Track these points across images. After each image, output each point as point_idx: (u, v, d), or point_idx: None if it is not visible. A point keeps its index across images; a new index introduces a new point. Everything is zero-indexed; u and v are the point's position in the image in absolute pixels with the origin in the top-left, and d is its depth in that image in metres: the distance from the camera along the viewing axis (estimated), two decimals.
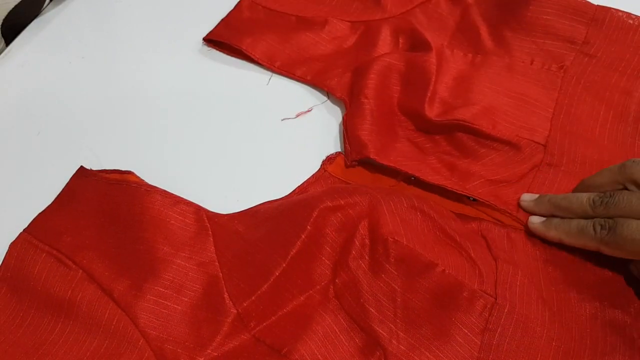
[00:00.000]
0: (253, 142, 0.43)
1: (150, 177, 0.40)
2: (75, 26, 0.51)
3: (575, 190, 0.37)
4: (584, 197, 0.34)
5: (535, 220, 0.36)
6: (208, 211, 0.37)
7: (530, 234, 0.36)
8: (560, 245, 0.35)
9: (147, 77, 0.47)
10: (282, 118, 0.44)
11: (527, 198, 0.37)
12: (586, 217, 0.34)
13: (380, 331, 0.31)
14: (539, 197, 0.37)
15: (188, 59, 0.48)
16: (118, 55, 0.49)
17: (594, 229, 0.33)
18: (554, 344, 0.31)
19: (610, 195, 0.33)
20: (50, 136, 0.44)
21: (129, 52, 0.49)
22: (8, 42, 0.50)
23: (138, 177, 0.39)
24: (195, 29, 0.49)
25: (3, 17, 0.48)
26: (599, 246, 0.33)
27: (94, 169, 0.40)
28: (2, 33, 0.49)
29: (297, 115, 0.44)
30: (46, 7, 0.52)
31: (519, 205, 0.37)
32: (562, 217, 0.35)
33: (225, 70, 0.47)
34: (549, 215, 0.36)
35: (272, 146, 0.42)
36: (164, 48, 0.49)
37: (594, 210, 0.33)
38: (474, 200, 0.38)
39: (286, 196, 0.39)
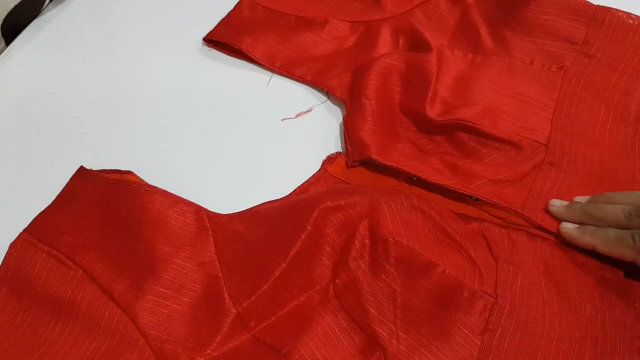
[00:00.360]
0: (253, 142, 0.43)
1: (151, 177, 0.39)
2: (75, 26, 0.51)
3: (572, 212, 0.36)
4: (619, 208, 0.34)
5: (568, 226, 0.35)
6: (208, 211, 0.37)
7: (530, 234, 0.36)
8: (561, 246, 0.35)
9: (147, 77, 0.47)
10: (282, 118, 0.44)
11: (557, 204, 0.37)
12: (622, 227, 0.33)
13: (380, 331, 0.31)
14: (570, 204, 0.36)
15: (188, 59, 0.48)
16: (118, 55, 0.49)
17: (633, 239, 0.32)
18: (554, 344, 0.31)
19: None
20: (50, 136, 0.44)
21: (129, 52, 0.49)
22: (8, 42, 0.49)
23: (138, 177, 0.39)
24: (196, 29, 0.49)
25: (3, 17, 0.48)
26: (636, 257, 0.32)
27: (94, 169, 0.40)
28: (2, 33, 0.49)
29: (297, 115, 0.44)
30: (46, 7, 0.52)
31: (546, 211, 0.37)
32: (594, 226, 0.35)
33: (226, 71, 0.47)
34: (579, 223, 0.35)
35: (272, 146, 0.42)
36: (164, 48, 0.49)
37: (629, 222, 0.33)
38: (477, 199, 0.37)
39: (286, 196, 0.39)
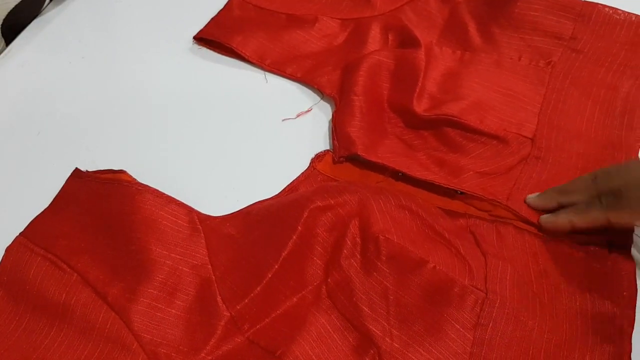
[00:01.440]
0: (252, 142, 0.39)
1: (151, 177, 0.36)
2: (75, 26, 0.47)
3: (546, 196, 0.34)
4: (586, 175, 0.32)
5: (546, 214, 0.33)
6: (200, 213, 0.34)
7: (518, 228, 0.33)
8: (549, 239, 0.32)
9: (147, 77, 0.44)
10: (283, 118, 0.40)
11: (532, 195, 0.34)
12: (590, 195, 0.32)
13: (374, 329, 0.29)
14: (544, 192, 0.34)
15: (188, 60, 0.44)
16: (118, 55, 0.45)
17: (601, 201, 0.31)
18: (545, 336, 0.29)
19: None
20: (50, 136, 0.40)
21: (129, 52, 0.45)
22: (8, 42, 0.46)
23: (130, 176, 0.36)
24: (195, 29, 0.45)
25: (3, 17, 0.44)
26: (607, 215, 0.31)
27: (93, 169, 0.37)
28: (2, 33, 0.45)
29: (298, 116, 0.40)
30: (46, 7, 0.48)
31: (526, 203, 0.34)
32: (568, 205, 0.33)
33: (225, 71, 0.43)
34: (556, 207, 0.33)
35: (271, 146, 0.39)
36: (163, 48, 0.45)
37: (596, 185, 0.31)
38: (462, 193, 0.35)
39: (276, 195, 0.36)
